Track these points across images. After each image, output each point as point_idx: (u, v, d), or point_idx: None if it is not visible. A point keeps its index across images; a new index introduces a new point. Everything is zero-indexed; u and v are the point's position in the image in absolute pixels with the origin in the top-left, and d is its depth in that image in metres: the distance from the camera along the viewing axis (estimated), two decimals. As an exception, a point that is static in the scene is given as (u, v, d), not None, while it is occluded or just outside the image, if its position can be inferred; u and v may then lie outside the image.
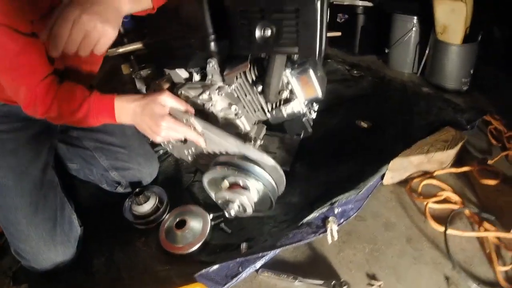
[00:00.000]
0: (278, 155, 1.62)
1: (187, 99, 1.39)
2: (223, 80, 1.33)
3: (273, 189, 1.20)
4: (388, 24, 2.42)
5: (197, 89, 1.37)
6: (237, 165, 1.17)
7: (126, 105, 1.18)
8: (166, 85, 1.44)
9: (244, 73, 1.25)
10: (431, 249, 1.31)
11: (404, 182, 1.61)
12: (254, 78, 1.25)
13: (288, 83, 1.21)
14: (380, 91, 2.13)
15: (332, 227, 1.32)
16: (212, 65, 1.28)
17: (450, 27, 2.09)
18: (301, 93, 1.24)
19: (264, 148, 1.60)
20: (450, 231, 1.29)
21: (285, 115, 1.27)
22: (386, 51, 2.57)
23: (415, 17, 2.25)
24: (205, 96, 1.34)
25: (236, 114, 1.33)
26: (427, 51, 2.31)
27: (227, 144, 1.20)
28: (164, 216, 1.46)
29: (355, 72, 2.44)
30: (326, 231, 1.30)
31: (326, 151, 1.66)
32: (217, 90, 1.31)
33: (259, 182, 1.16)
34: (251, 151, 1.17)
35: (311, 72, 1.17)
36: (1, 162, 1.23)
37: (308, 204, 1.45)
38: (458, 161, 1.62)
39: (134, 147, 1.54)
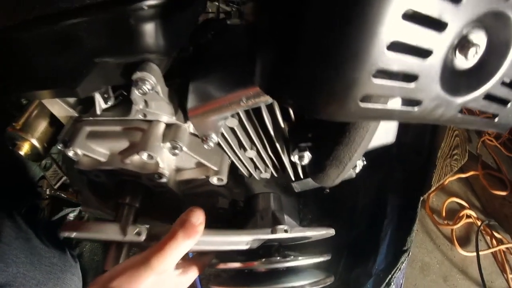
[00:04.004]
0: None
1: (92, 165, 0.43)
2: (175, 112, 0.40)
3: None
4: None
5: (112, 138, 0.42)
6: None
7: None
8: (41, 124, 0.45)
9: (254, 109, 0.35)
10: (464, 280, 1.02)
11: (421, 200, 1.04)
12: (281, 121, 0.35)
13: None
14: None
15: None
16: (150, 89, 0.34)
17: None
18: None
19: (249, 191, 0.75)
20: (469, 254, 1.02)
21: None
22: None
23: None
24: (137, 159, 0.41)
25: (221, 185, 0.44)
26: None
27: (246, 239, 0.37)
28: None
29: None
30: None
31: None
32: (169, 146, 0.39)
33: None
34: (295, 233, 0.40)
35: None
36: None
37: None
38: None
39: (28, 277, 0.56)
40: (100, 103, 0.47)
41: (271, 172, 0.50)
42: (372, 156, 0.99)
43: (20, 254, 0.57)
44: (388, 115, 0.22)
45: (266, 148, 0.42)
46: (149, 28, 0.31)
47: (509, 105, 0.29)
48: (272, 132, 0.37)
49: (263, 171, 0.49)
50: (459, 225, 1.00)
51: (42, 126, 0.56)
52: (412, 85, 0.21)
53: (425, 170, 0.96)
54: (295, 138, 0.37)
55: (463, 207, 1.04)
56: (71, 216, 0.76)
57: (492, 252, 1.02)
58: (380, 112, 0.22)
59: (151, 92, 0.37)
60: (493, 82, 0.24)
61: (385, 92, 0.20)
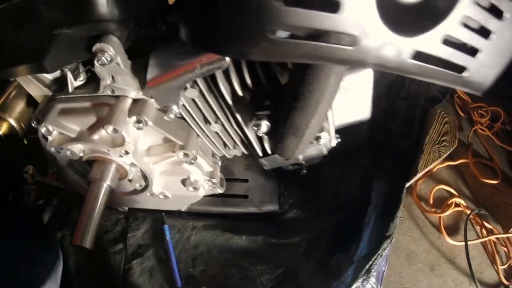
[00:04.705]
0: (254, 184, 0.80)
1: (62, 142, 0.45)
2: (141, 87, 0.41)
3: None
4: None
5: (82, 114, 0.44)
6: None
7: None
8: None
9: (212, 77, 0.35)
10: (452, 270, 0.99)
11: (408, 187, 1.04)
12: (239, 90, 0.36)
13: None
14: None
15: (371, 305, 0.70)
16: (109, 60, 0.35)
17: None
18: (341, 118, 0.41)
19: (228, 174, 0.76)
20: (458, 243, 1.00)
21: (300, 160, 0.44)
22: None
23: None
24: (104, 133, 0.42)
25: (187, 160, 0.45)
26: None
27: None
28: None
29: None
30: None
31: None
32: (134, 120, 0.40)
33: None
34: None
35: (371, 75, 0.34)
36: None
37: (325, 272, 0.74)
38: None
39: (4, 257, 0.57)
40: (72, 81, 0.49)
41: (242, 150, 0.51)
42: (359, 141, 0.99)
43: None
44: (315, 53, 0.21)
45: (230, 121, 0.42)
46: (106, 13, 0.32)
47: (479, 55, 0.24)
48: (229, 101, 0.38)
49: (231, 148, 0.50)
50: (447, 213, 0.99)
51: (19, 106, 0.58)
52: (335, 15, 0.19)
53: (412, 155, 0.96)
54: (252, 106, 0.37)
55: (452, 195, 1.03)
56: (55, 200, 0.78)
57: (482, 242, 1.00)
58: (303, 48, 0.20)
59: (111, 63, 0.38)
60: (451, 21, 0.21)
61: (301, 22, 0.19)
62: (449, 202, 1.00)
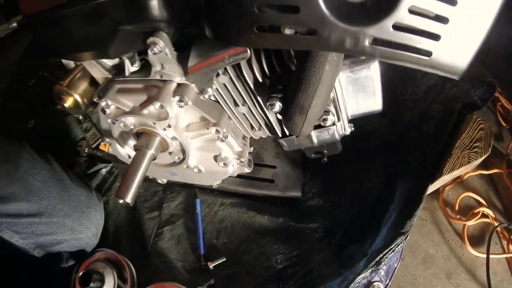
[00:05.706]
0: (280, 171, 0.88)
1: (117, 115, 0.56)
2: (185, 74, 0.51)
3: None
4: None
5: (136, 93, 0.55)
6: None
7: None
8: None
9: (238, 66, 0.45)
10: (469, 281, 0.97)
11: (435, 191, 1.08)
12: (259, 77, 0.45)
13: (335, 97, 0.43)
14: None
15: (380, 293, 0.74)
16: (159, 50, 0.45)
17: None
18: (353, 108, 0.47)
19: (258, 159, 0.84)
20: (480, 255, 0.98)
21: (315, 143, 0.52)
22: None
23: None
24: (152, 109, 0.52)
25: (219, 137, 0.55)
26: None
27: None
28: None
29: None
30: (371, 302, 0.74)
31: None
32: (177, 99, 0.51)
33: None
34: None
35: (378, 69, 0.40)
36: None
37: (337, 260, 0.81)
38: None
39: (57, 208, 0.72)
40: (129, 66, 0.60)
41: (266, 131, 0.60)
42: (387, 140, 1.02)
43: (52, 191, 0.72)
44: (288, 42, 0.31)
45: (254, 104, 0.51)
46: (154, 3, 0.43)
47: (442, 39, 0.27)
48: (252, 85, 0.46)
49: (257, 129, 0.58)
50: (472, 222, 0.99)
51: (83, 85, 0.71)
52: (295, 15, 0.28)
53: (439, 157, 0.98)
54: (269, 90, 0.46)
55: (480, 204, 1.03)
56: (104, 171, 0.92)
57: (507, 258, 0.98)
58: (279, 39, 0.31)
59: (161, 53, 0.49)
60: (400, 11, 0.26)
61: (275, 22, 0.29)
62: (476, 211, 1.00)
